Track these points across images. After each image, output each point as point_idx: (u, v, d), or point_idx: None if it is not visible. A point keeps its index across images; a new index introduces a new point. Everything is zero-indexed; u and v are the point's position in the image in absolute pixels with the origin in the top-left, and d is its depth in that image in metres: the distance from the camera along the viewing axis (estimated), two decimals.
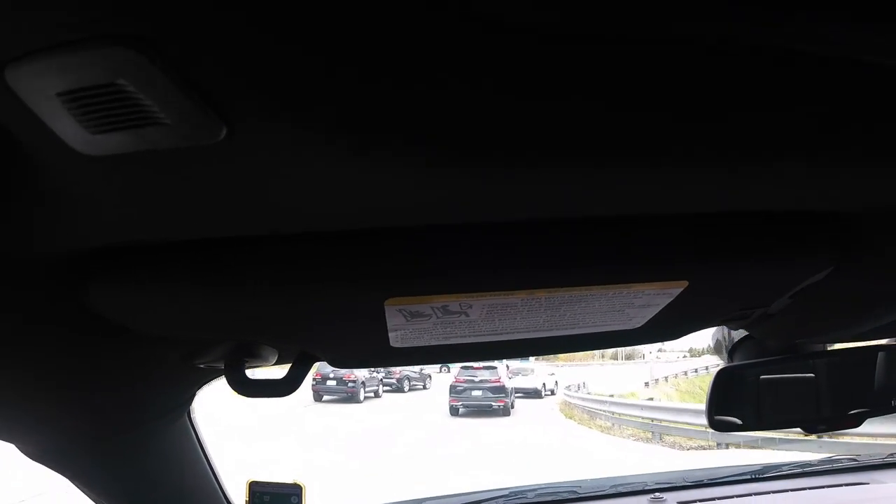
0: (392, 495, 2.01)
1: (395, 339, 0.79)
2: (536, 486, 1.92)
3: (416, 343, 0.82)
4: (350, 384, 20.78)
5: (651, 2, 0.32)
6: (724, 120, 0.43)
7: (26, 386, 0.76)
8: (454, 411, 18.03)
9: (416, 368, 28.50)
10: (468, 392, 18.10)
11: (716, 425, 1.30)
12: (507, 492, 1.90)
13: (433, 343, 0.82)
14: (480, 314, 0.72)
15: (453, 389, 18.32)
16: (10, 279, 0.58)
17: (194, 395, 1.15)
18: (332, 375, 20.50)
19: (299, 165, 0.43)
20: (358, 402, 20.70)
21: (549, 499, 1.92)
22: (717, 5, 0.32)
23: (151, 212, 0.51)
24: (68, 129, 0.37)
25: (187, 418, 1.20)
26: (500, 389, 18.11)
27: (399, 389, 25.67)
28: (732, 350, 1.36)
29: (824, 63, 0.37)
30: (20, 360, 0.70)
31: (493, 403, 17.95)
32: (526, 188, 0.50)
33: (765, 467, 2.06)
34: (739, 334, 1.35)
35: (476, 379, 18.09)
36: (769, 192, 0.57)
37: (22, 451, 0.99)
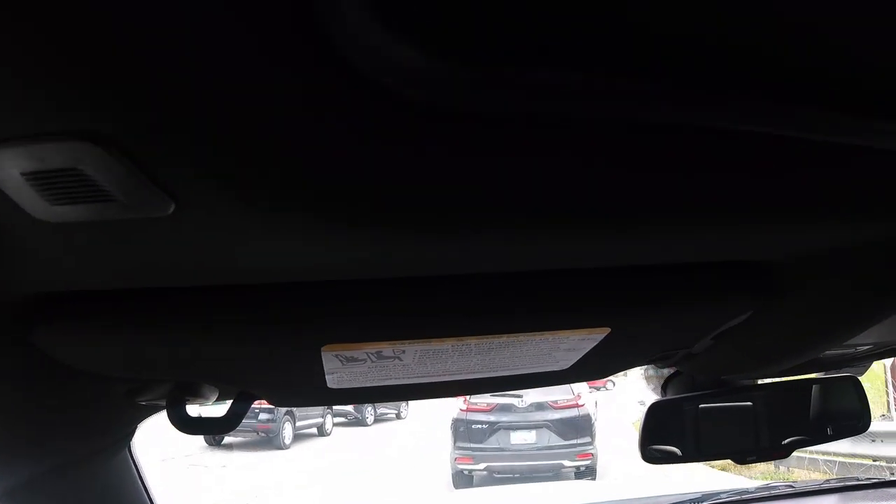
0: None
1: (333, 381, 0.84)
2: None
3: (353, 384, 0.87)
4: (265, 418, 11.93)
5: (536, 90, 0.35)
6: (633, 182, 0.46)
7: None
8: (461, 481, 8.52)
9: None
10: (500, 436, 8.48)
11: (648, 457, 1.34)
12: None
13: (370, 384, 0.87)
14: (413, 359, 0.77)
15: (461, 430, 8.68)
16: None
17: (135, 429, 1.16)
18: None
19: (239, 234, 0.48)
20: (280, 447, 12.30)
21: None
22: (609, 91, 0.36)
23: (100, 266, 0.56)
24: (29, 200, 0.40)
25: (128, 453, 1.23)
26: (580, 426, 8.57)
27: (359, 422, 17.28)
28: (665, 383, 1.39)
29: (714, 133, 0.41)
30: None
31: (565, 462, 8.31)
32: (452, 246, 0.54)
33: (704, 495, 2.08)
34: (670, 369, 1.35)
35: (521, 404, 8.54)
36: (685, 245, 0.62)
37: None
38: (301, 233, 0.47)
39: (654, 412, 1.34)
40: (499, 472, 8.16)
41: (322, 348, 0.70)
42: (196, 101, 0.33)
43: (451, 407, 9.07)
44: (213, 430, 0.94)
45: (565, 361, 0.87)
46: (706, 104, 0.38)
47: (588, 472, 8.15)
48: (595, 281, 0.68)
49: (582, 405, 8.58)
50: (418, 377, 0.86)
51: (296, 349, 0.72)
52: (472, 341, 0.73)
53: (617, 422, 12.69)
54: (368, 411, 17.25)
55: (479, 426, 8.44)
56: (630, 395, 17.36)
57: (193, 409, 0.94)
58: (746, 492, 2.11)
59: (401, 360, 0.77)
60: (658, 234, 0.56)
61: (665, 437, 1.33)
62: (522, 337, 0.75)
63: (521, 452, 8.32)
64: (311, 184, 0.40)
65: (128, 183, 0.38)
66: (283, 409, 12.20)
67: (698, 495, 2.07)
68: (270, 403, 1.01)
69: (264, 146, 0.37)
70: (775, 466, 8.17)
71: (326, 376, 0.81)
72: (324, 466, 10.43)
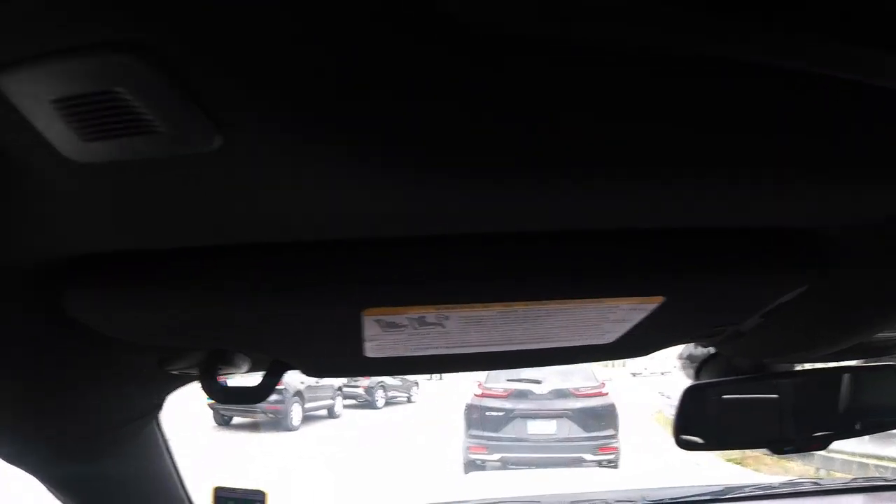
0: None
1: (370, 350, 0.82)
2: (500, 500, 2.01)
3: (390, 353, 0.85)
4: (273, 399, 11.57)
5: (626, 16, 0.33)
6: (702, 135, 0.45)
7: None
8: (473, 467, 7.87)
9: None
10: (516, 424, 7.93)
11: (682, 444, 1.31)
12: None
13: (407, 354, 0.86)
14: (456, 326, 0.75)
15: (475, 417, 8.16)
16: None
17: (164, 400, 1.16)
18: None
19: (290, 174, 0.45)
20: (289, 428, 12.20)
21: None
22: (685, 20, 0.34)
23: (135, 219, 0.53)
24: (60, 136, 0.37)
25: (155, 425, 1.23)
26: (603, 417, 8.06)
27: (369, 404, 17.21)
28: (699, 368, 1.36)
29: (792, 79, 0.40)
30: None
31: (586, 455, 7.72)
32: (509, 200, 0.52)
33: (726, 488, 2.06)
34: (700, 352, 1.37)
35: (540, 391, 8.03)
36: (747, 208, 0.60)
37: None
38: (356, 175, 0.45)
39: (690, 396, 1.30)
40: (514, 464, 7.64)
41: (363, 312, 0.68)
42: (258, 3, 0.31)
43: (464, 392, 8.72)
44: (245, 400, 0.94)
45: (611, 334, 0.86)
46: (787, 48, 0.36)
47: (610, 468, 7.64)
48: (651, 244, 0.65)
49: (606, 393, 8.15)
50: (458, 347, 0.84)
51: (337, 312, 0.70)
52: (520, 308, 0.71)
53: (634, 411, 12.35)
54: (379, 394, 17.30)
55: (495, 413, 7.99)
56: (650, 384, 17.20)
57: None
58: (770, 487, 2.09)
59: (443, 327, 0.75)
60: (723, 192, 0.54)
61: (701, 422, 1.31)
62: (572, 304, 0.72)
63: (538, 444, 7.81)
64: (371, 119, 0.39)
65: (172, 108, 0.35)
66: (293, 391, 12.20)
67: (720, 488, 2.04)
68: (304, 373, 1.00)
69: (324, 73, 0.35)
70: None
71: (364, 344, 0.79)
72: (332, 449, 10.19)
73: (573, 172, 0.47)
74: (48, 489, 1.16)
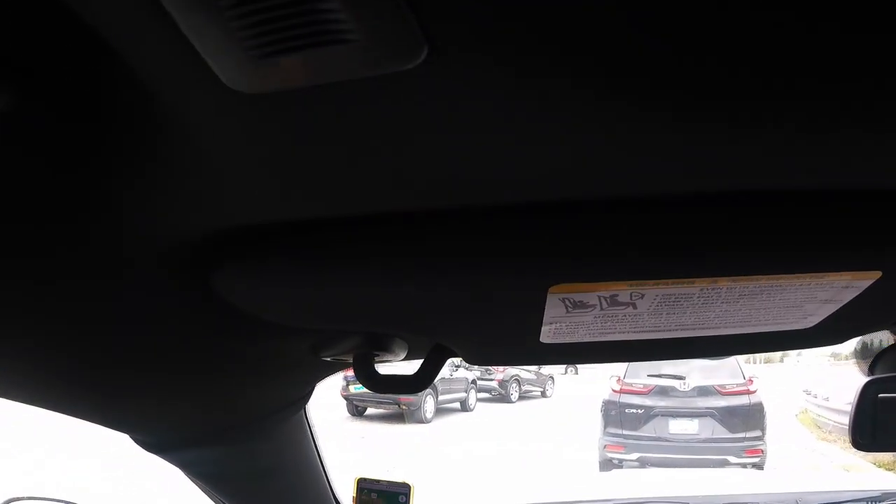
0: None
1: (547, 335, 0.74)
2: (646, 500, 1.90)
3: (567, 339, 0.76)
4: None
5: None
6: None
7: (149, 378, 0.78)
8: (609, 466, 7.57)
9: (532, 367, 20.10)
10: (656, 423, 7.45)
11: (859, 443, 1.28)
12: None
13: (586, 340, 0.76)
14: (650, 306, 0.67)
15: (612, 413, 7.76)
16: (138, 267, 0.57)
17: (313, 388, 1.15)
18: None
19: (495, 112, 0.39)
20: (422, 421, 12.30)
21: None
22: None
23: (297, 177, 0.47)
24: (228, 56, 0.31)
25: (304, 414, 1.21)
26: (750, 417, 7.44)
27: (503, 398, 17.14)
28: (875, 361, 1.26)
29: None
30: (144, 352, 0.71)
31: (731, 457, 7.21)
32: (736, 152, 0.46)
33: (883, 494, 1.97)
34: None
35: (683, 387, 7.52)
36: None
37: (137, 443, 0.99)
38: (568, 111, 0.39)
39: (868, 391, 1.24)
40: (653, 465, 7.23)
41: (550, 289, 0.59)
42: None
43: (600, 388, 8.33)
44: (402, 389, 0.89)
45: (813, 318, 0.76)
46: None
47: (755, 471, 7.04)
48: (872, 209, 0.56)
49: (754, 391, 7.51)
50: (645, 332, 0.73)
51: (518, 290, 0.61)
52: (725, 286, 0.62)
53: (774, 409, 11.47)
54: (513, 388, 17.20)
55: (634, 411, 7.61)
56: (787, 382, 16.18)
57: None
58: None
59: (635, 308, 0.65)
60: None
61: (882, 419, 1.24)
62: (784, 281, 0.63)
63: (679, 444, 7.36)
64: (597, 43, 0.33)
65: (375, 7, 0.29)
66: None
67: (878, 493, 1.96)
68: (466, 361, 0.91)
69: None
70: None
71: (543, 327, 0.70)
72: (466, 442, 10.11)
73: (818, 121, 0.41)
74: (190, 478, 1.14)
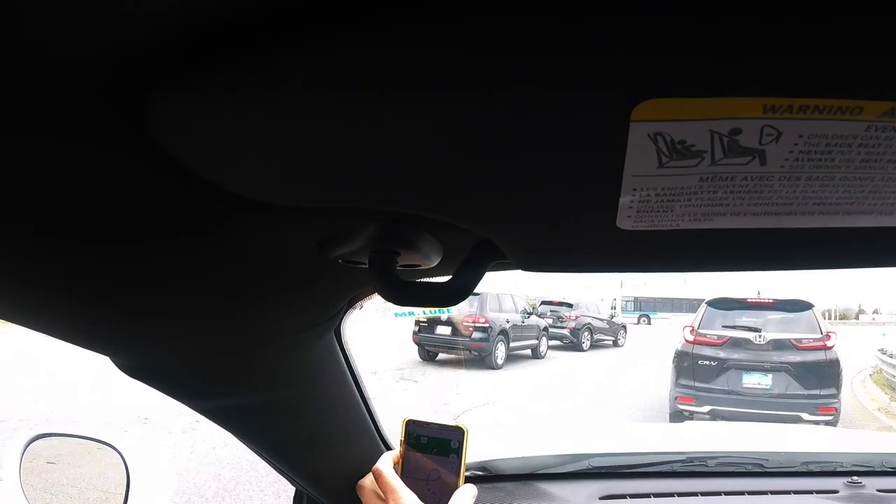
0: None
1: (627, 216, 0.47)
2: (719, 454, 1.90)
3: (657, 223, 0.48)
4: (477, 336, 12.04)
5: None
6: None
7: (114, 276, 0.59)
8: (679, 417, 7.48)
9: (604, 315, 19.88)
10: (729, 376, 7.23)
11: None
12: (684, 456, 1.89)
13: (684, 226, 0.48)
14: (785, 161, 0.41)
15: (685, 365, 7.50)
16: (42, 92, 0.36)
17: (342, 311, 0.98)
18: (445, 318, 12.64)
19: None
20: (493, 367, 12.44)
21: (731, 469, 1.89)
22: None
23: None
24: None
25: (333, 336, 1.03)
26: (826, 374, 7.16)
27: (574, 347, 17.11)
28: None
29: None
30: (95, 232, 0.50)
31: (804, 414, 7.02)
32: None
33: None
34: None
35: (758, 340, 7.30)
36: None
37: (119, 367, 0.83)
38: None
39: None
40: (724, 419, 7.14)
41: (633, 112, 0.36)
42: None
43: (674, 338, 8.18)
44: (433, 301, 0.70)
45: None
46: None
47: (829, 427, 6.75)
48: None
49: (831, 347, 7.21)
50: (771, 212, 0.46)
51: (584, 114, 0.36)
52: None
53: (847, 367, 11.03)
54: (585, 336, 17.16)
55: (707, 363, 7.45)
56: (862, 340, 15.53)
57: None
58: None
59: (763, 161, 0.40)
60: None
61: None
62: None
63: (752, 398, 7.21)
64: None
65: None
66: (497, 329, 12.44)
67: None
68: (518, 266, 0.66)
69: None
70: None
71: (621, 199, 0.45)
72: (537, 389, 10.19)
73: None
74: (220, 424, 1.01)
